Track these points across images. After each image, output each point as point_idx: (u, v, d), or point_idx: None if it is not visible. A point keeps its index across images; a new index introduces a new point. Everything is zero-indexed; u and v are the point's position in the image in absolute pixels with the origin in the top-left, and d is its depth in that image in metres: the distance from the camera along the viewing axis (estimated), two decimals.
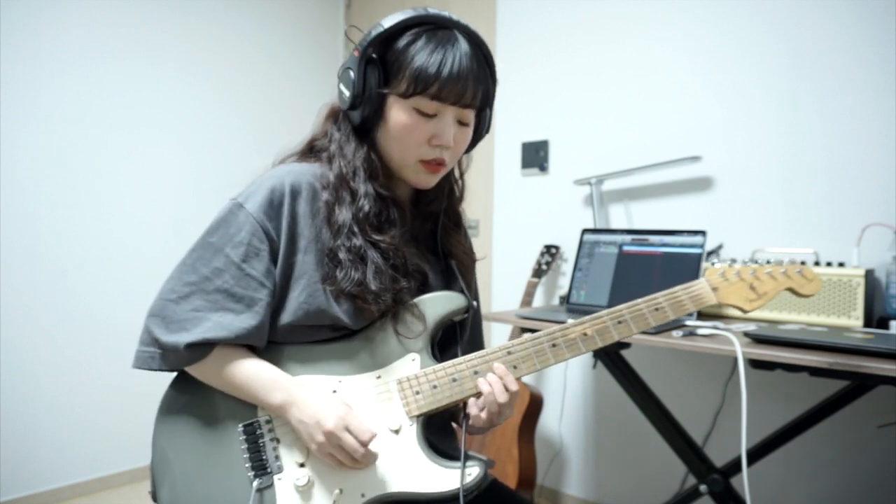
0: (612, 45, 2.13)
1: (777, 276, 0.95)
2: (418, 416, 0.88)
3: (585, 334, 0.89)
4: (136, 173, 2.43)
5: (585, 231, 1.92)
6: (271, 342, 0.89)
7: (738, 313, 1.63)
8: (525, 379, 2.28)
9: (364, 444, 0.81)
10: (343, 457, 0.81)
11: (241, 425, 0.86)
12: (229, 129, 2.69)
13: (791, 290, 0.96)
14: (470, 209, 2.60)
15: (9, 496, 2.13)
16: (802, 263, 0.99)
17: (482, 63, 0.88)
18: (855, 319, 1.46)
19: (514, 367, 0.88)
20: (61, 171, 2.24)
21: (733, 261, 1.50)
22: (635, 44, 2.07)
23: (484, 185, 2.55)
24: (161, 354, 0.85)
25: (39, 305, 2.20)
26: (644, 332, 1.38)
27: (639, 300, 0.91)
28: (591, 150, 2.19)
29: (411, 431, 0.87)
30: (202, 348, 0.84)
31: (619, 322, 0.90)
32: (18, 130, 2.14)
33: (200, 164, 2.60)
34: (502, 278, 2.47)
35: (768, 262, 0.97)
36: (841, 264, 1.54)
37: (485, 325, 2.41)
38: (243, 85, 2.76)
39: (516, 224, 2.43)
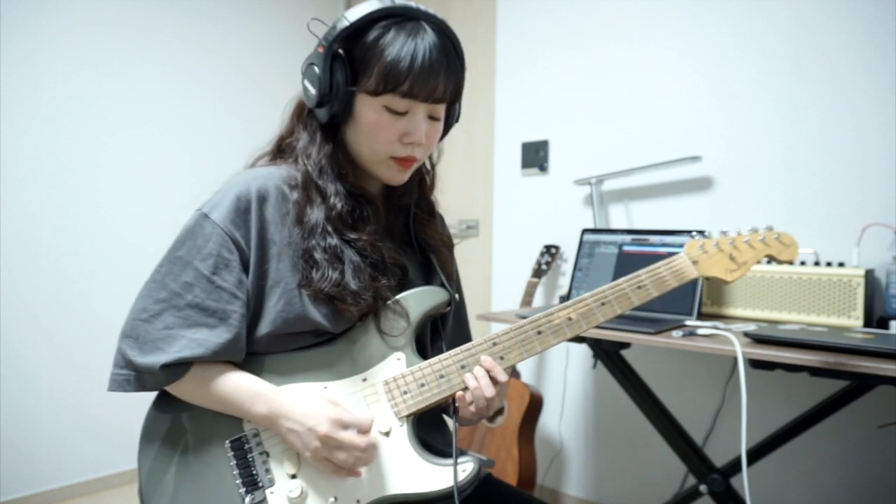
0: (612, 45, 2.13)
1: (755, 244, 0.96)
2: (408, 416, 0.86)
3: (570, 318, 0.89)
4: (136, 173, 2.43)
5: (585, 231, 1.92)
6: (251, 353, 0.86)
7: (738, 313, 1.63)
8: (525, 379, 2.28)
9: (366, 431, 0.79)
10: (342, 457, 0.79)
11: (228, 441, 0.84)
12: (229, 129, 2.70)
13: (770, 256, 0.97)
14: (470, 209, 2.60)
15: (9, 496, 2.13)
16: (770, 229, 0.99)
17: (452, 55, 0.85)
18: (855, 319, 1.46)
19: (501, 358, 0.87)
20: (61, 171, 2.24)
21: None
22: (635, 44, 2.07)
23: (484, 185, 2.55)
24: (136, 377, 0.82)
25: (39, 305, 2.20)
26: (644, 333, 1.38)
27: (621, 279, 0.91)
28: (591, 150, 2.19)
29: (402, 432, 0.86)
30: (178, 368, 0.81)
31: (603, 303, 0.89)
32: (18, 130, 2.14)
33: (200, 163, 2.60)
34: (502, 278, 2.47)
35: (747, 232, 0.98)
36: (841, 264, 1.53)
37: (485, 325, 2.42)
38: (243, 85, 2.76)
39: (516, 224, 2.43)
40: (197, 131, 2.61)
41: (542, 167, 2.32)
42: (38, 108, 2.18)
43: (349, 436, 0.78)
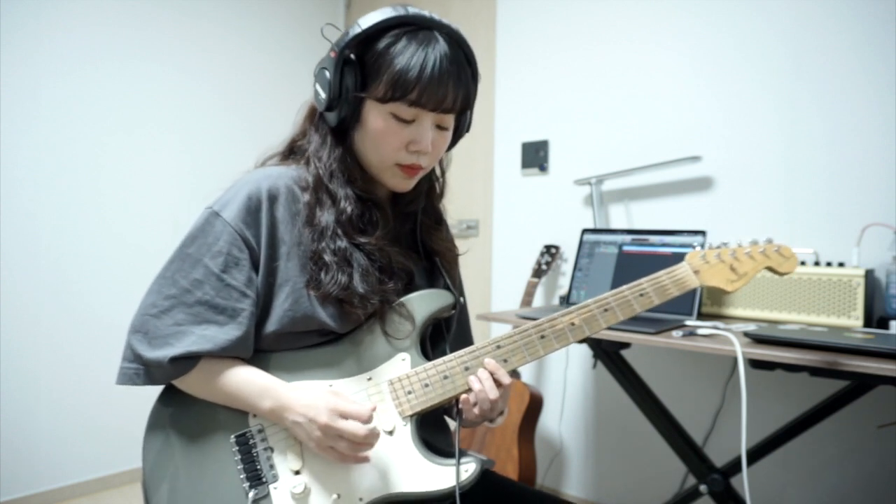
0: (612, 45, 2.13)
1: (756, 256, 0.98)
2: (412, 416, 0.87)
3: (573, 324, 0.90)
4: (136, 173, 2.43)
5: (585, 231, 1.92)
6: (258, 351, 0.87)
7: (738, 313, 1.63)
8: (525, 379, 2.28)
9: (366, 421, 0.79)
10: (345, 447, 0.79)
11: (233, 436, 0.85)
12: (229, 129, 2.70)
13: (770, 268, 0.98)
14: (470, 209, 2.60)
15: (9, 496, 2.13)
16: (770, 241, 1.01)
17: (463, 65, 0.85)
18: (855, 319, 1.46)
19: (505, 361, 0.88)
20: (61, 171, 2.24)
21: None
22: (635, 44, 2.07)
23: (484, 185, 2.55)
24: (145, 370, 0.83)
25: (39, 305, 2.20)
26: (644, 333, 1.38)
27: (623, 287, 0.92)
28: (591, 150, 2.19)
29: (405, 431, 0.86)
30: (187, 362, 0.83)
31: (606, 310, 0.90)
32: (18, 130, 2.14)
33: (200, 163, 2.60)
34: (502, 278, 2.47)
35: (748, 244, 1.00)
36: (841, 264, 1.54)
37: (485, 324, 2.42)
38: (243, 85, 2.76)
39: (516, 224, 2.43)
40: (197, 131, 2.61)
41: (542, 167, 2.32)
42: (38, 108, 2.18)
43: (348, 424, 0.79)
